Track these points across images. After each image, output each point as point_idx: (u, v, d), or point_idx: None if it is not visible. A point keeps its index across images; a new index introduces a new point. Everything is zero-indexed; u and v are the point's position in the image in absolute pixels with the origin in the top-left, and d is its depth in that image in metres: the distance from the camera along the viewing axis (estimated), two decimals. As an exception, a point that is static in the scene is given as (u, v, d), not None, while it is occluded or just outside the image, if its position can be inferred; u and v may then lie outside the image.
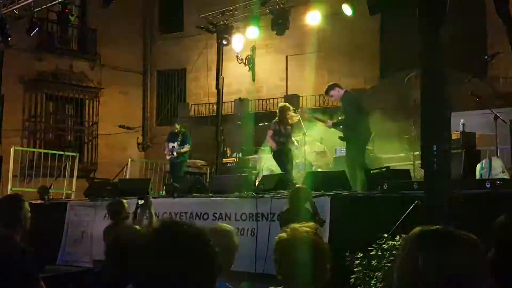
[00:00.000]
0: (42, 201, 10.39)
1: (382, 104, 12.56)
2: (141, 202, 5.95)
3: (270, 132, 9.37)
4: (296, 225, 2.59)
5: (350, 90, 9.45)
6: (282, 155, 9.31)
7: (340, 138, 8.64)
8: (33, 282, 3.40)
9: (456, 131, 8.10)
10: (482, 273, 1.36)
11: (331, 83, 9.03)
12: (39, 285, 3.48)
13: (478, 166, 7.61)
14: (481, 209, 5.46)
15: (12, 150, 12.31)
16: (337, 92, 8.61)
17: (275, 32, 11.22)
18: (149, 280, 1.40)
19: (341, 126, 8.54)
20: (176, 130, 11.10)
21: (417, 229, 1.46)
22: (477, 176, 7.37)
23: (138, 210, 5.90)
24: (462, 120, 8.41)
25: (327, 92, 8.76)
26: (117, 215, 6.12)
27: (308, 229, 2.50)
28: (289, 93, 16.07)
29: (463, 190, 6.09)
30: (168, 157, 11.14)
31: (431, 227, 1.45)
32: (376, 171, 7.17)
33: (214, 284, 1.49)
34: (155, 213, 8.40)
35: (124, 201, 6.35)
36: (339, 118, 8.62)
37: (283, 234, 2.53)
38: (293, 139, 9.59)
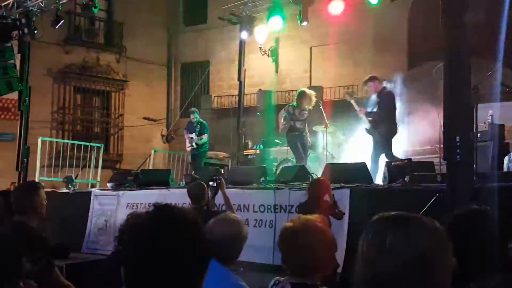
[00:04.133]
0: (68, 191, 10.58)
1: (409, 95, 12.32)
2: (212, 183, 5.71)
3: (282, 113, 9.59)
4: (301, 215, 2.55)
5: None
6: (296, 140, 9.28)
7: (366, 130, 8.63)
8: (47, 268, 3.42)
9: (484, 122, 7.87)
10: (444, 256, 1.39)
11: (371, 74, 8.98)
12: (53, 272, 3.50)
13: (506, 159, 7.39)
14: (507, 202, 5.27)
15: (39, 140, 12.54)
16: (375, 85, 8.60)
17: (298, 22, 11.07)
18: (138, 262, 1.39)
19: (371, 118, 8.52)
20: (194, 120, 11.09)
21: (378, 215, 1.47)
22: (505, 169, 7.15)
23: (209, 193, 5.61)
24: (490, 112, 8.16)
25: (366, 82, 8.74)
26: (200, 200, 5.62)
27: (313, 218, 2.45)
28: (312, 84, 15.91)
29: (489, 183, 5.91)
30: (188, 148, 11.16)
31: (392, 212, 1.47)
32: (398, 163, 7.01)
33: (205, 268, 1.46)
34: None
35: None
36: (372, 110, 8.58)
37: (288, 223, 2.48)
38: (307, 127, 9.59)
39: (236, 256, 2.93)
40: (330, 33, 14.99)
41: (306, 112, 9.34)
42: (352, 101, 8.90)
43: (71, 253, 8.58)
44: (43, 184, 3.95)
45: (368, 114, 8.61)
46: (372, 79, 8.73)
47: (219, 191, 5.85)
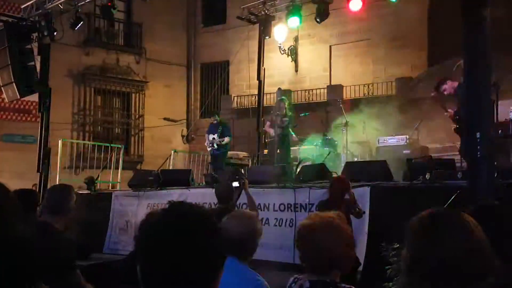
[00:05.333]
0: (89, 191, 10.68)
1: (430, 92, 12.20)
2: (235, 184, 5.72)
3: (267, 123, 10.20)
4: (319, 212, 2.53)
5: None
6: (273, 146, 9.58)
7: (455, 130, 7.82)
8: (70, 270, 3.45)
9: (506, 119, 7.75)
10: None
11: (439, 79, 8.33)
12: (76, 274, 3.53)
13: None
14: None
15: (60, 142, 12.68)
16: (451, 85, 7.82)
17: (317, 21, 11.00)
18: (151, 260, 1.38)
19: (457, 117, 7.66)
20: (216, 122, 11.08)
21: (423, 214, 1.52)
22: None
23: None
24: (511, 107, 8.03)
25: (438, 87, 7.93)
26: (228, 199, 5.61)
27: (330, 214, 2.43)
28: (332, 83, 15.84)
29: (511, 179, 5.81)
30: (209, 149, 11.16)
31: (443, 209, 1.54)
32: (418, 160, 6.93)
33: (220, 265, 1.44)
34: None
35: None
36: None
37: (305, 221, 2.46)
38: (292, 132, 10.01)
39: (252, 252, 2.90)
40: (349, 31, 14.91)
41: (287, 118, 9.51)
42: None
43: (93, 253, 8.67)
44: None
45: (453, 118, 7.75)
46: (442, 83, 7.90)
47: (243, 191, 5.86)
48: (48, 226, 3.60)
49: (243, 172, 9.92)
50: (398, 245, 4.57)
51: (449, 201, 5.20)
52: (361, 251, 5.84)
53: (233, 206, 5.70)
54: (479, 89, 5.08)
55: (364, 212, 5.99)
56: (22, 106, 15.44)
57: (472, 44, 5.06)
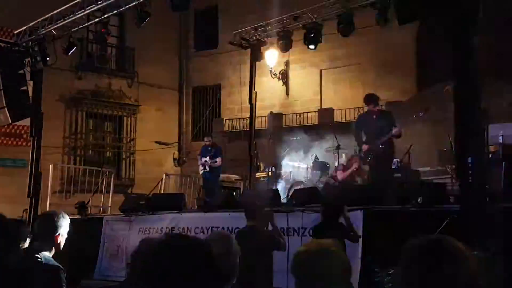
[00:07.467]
0: (80, 216, 10.59)
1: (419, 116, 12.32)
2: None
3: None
4: (315, 239, 2.55)
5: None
6: None
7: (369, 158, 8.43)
8: None
9: (495, 143, 7.83)
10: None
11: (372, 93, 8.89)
12: None
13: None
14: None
15: (51, 166, 12.61)
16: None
17: (308, 46, 11.15)
18: None
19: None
20: (208, 143, 11.11)
21: (420, 241, 1.55)
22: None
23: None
24: (501, 132, 8.12)
25: (377, 102, 8.56)
26: (256, 216, 5.76)
27: (327, 242, 2.44)
28: (323, 106, 15.97)
29: (503, 203, 5.86)
30: (201, 172, 11.16)
31: (431, 237, 1.59)
32: (410, 184, 6.97)
33: None
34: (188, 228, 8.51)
35: None
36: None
37: (302, 248, 2.47)
38: None
39: (233, 273, 2.88)
40: (339, 55, 15.10)
41: None
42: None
43: (83, 279, 8.56)
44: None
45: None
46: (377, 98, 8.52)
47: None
48: (36, 254, 3.55)
49: (235, 195, 9.92)
50: (392, 270, 4.57)
51: (442, 226, 5.23)
52: (354, 277, 5.82)
53: (260, 222, 5.78)
54: (469, 115, 5.17)
55: (360, 236, 5.97)
56: (13, 131, 15.36)
57: (462, 70, 5.17)
